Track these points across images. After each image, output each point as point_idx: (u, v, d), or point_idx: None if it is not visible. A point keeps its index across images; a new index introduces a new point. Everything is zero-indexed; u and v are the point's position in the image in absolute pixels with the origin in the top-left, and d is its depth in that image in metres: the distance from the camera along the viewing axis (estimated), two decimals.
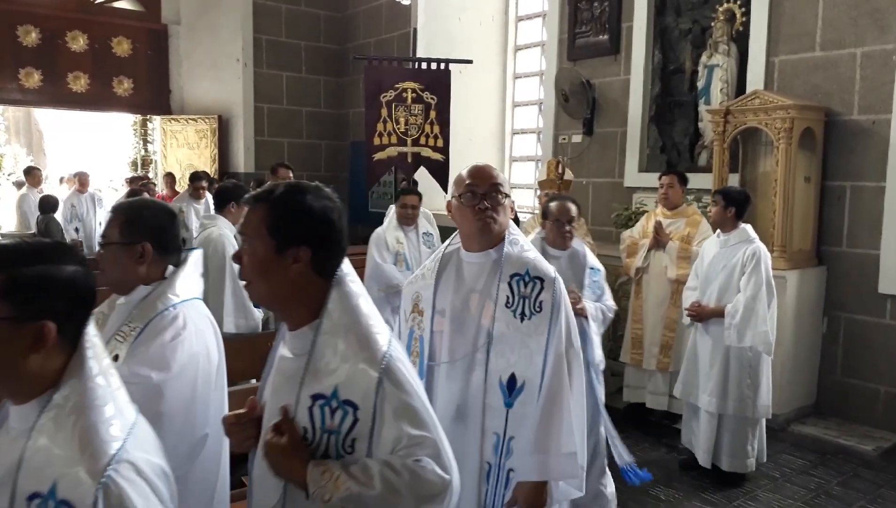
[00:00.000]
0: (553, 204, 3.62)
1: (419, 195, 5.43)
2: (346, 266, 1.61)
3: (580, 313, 3.22)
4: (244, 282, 1.59)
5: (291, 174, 6.66)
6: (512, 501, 2.18)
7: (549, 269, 2.25)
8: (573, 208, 3.55)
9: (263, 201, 1.56)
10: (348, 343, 1.50)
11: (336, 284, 1.57)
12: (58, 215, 8.75)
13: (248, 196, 1.61)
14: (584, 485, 2.29)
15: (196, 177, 7.73)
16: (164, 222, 2.15)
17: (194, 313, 2.10)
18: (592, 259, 3.62)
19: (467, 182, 2.21)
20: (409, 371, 1.53)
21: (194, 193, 7.55)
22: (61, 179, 10.47)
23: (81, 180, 9.49)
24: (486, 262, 2.24)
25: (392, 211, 5.50)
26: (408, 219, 5.29)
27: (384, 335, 1.54)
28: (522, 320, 2.16)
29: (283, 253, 1.52)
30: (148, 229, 2.09)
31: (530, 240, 3.54)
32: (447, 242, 2.39)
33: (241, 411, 1.66)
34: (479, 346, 2.18)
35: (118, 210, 2.17)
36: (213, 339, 2.15)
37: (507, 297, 2.18)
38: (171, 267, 2.15)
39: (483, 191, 2.19)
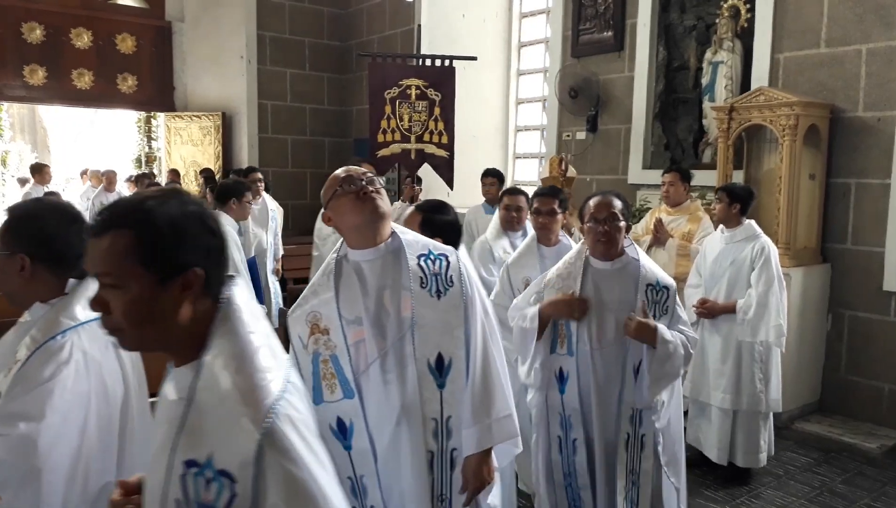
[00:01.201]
0: (592, 199, 2.86)
1: (525, 195, 4.34)
2: (240, 286, 1.33)
3: (645, 340, 2.70)
4: (110, 333, 1.25)
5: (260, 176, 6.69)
6: (464, 485, 2.16)
7: (448, 247, 2.27)
8: (617, 203, 2.77)
9: (123, 227, 1.20)
10: (231, 392, 1.17)
11: (223, 310, 1.26)
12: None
13: (93, 225, 1.23)
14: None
15: (251, 170, 6.63)
16: (54, 230, 1.79)
17: (89, 341, 1.73)
18: (654, 271, 2.82)
19: (342, 176, 2.14)
20: (301, 429, 1.18)
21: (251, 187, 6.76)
22: (83, 173, 10.40)
23: (109, 179, 9.52)
24: (386, 254, 2.15)
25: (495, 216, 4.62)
26: (513, 223, 4.22)
27: (277, 381, 1.20)
28: (439, 297, 2.14)
29: (166, 285, 1.21)
30: (28, 239, 1.76)
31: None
32: (331, 254, 2.23)
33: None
34: (402, 334, 2.12)
35: (7, 214, 1.86)
36: (114, 371, 1.79)
37: (421, 278, 2.13)
38: (72, 281, 1.82)
39: (360, 177, 2.13)
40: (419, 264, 2.14)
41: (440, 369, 2.11)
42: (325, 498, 1.16)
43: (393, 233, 2.18)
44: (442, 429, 2.12)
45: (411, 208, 2.76)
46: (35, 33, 9.49)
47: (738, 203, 4.25)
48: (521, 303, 2.99)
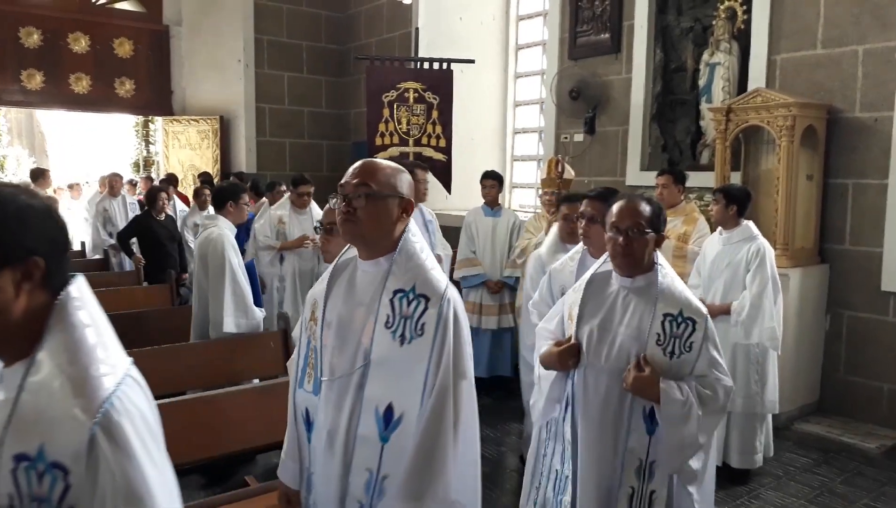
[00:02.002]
0: (617, 203, 2.47)
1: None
2: (78, 284, 1.26)
3: (645, 396, 2.28)
4: None
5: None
6: None
7: (441, 283, 1.90)
8: (644, 209, 2.37)
9: None
10: (63, 383, 1.14)
11: (59, 306, 1.21)
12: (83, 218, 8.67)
13: None
14: None
15: (301, 180, 5.88)
16: None
17: None
18: (679, 297, 2.35)
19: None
20: (137, 423, 1.17)
21: (297, 200, 5.82)
22: (102, 180, 10.32)
23: (111, 183, 9.47)
24: (378, 272, 1.93)
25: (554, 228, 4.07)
26: (575, 235, 3.45)
27: (113, 375, 1.18)
28: (402, 343, 1.84)
29: (3, 271, 1.15)
30: None
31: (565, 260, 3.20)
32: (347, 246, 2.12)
33: None
34: (357, 368, 1.89)
35: None
36: None
37: (388, 316, 1.87)
38: None
39: (334, 209, 2.00)
40: (391, 300, 1.88)
41: (388, 420, 1.84)
42: (152, 498, 1.14)
43: (399, 246, 1.93)
44: (375, 486, 1.84)
45: None
46: (33, 38, 9.50)
47: (734, 204, 4.26)
48: (542, 329, 2.64)
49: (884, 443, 4.79)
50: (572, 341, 2.40)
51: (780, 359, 4.43)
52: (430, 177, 7.36)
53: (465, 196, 7.55)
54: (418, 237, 2.00)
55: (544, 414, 2.55)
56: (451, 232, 6.32)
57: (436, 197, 7.90)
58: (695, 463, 2.31)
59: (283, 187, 6.67)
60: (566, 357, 2.39)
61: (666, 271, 2.41)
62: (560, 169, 5.54)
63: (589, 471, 2.34)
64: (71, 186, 11.84)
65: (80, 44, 9.84)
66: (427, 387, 1.82)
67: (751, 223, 4.32)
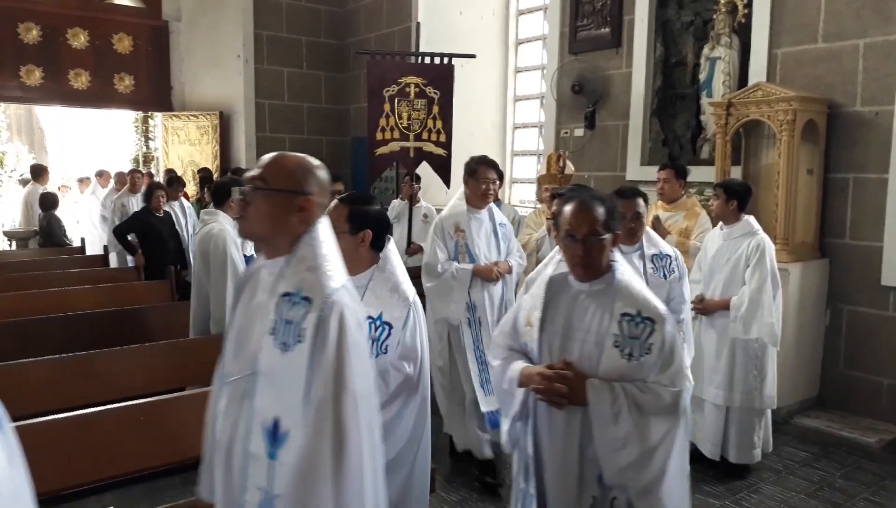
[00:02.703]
0: (568, 206, 2.44)
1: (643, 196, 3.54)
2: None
3: (578, 401, 2.21)
4: None
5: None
6: None
7: (327, 283, 1.74)
8: (598, 212, 2.30)
9: None
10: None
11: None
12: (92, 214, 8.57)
13: None
14: None
15: (333, 180, 6.21)
16: None
17: None
18: (638, 296, 2.29)
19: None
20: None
21: (329, 197, 6.23)
22: (121, 176, 10.24)
23: (133, 180, 9.43)
24: (274, 271, 1.81)
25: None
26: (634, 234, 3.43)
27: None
28: (284, 350, 1.70)
29: None
30: None
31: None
32: None
33: None
34: (247, 376, 1.78)
35: None
36: None
37: (274, 321, 1.74)
38: None
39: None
40: (278, 303, 1.75)
41: (275, 436, 1.70)
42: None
43: (295, 247, 1.80)
44: (267, 506, 1.70)
45: (334, 202, 2.45)
46: (31, 33, 9.48)
47: (735, 200, 4.26)
48: (498, 338, 2.53)
49: (883, 437, 4.79)
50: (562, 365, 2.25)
51: (779, 354, 4.43)
52: (430, 171, 7.39)
53: None
54: (327, 239, 1.85)
55: (512, 439, 2.41)
56: None
57: (436, 192, 7.90)
58: (644, 473, 2.15)
59: (339, 185, 6.53)
60: (554, 387, 2.21)
61: (623, 270, 2.33)
62: (561, 164, 5.53)
63: (555, 485, 2.28)
64: (81, 180, 11.82)
65: (79, 39, 9.81)
66: (306, 400, 1.66)
67: (751, 218, 4.31)
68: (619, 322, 2.20)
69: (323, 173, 1.90)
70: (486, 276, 4.14)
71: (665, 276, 3.35)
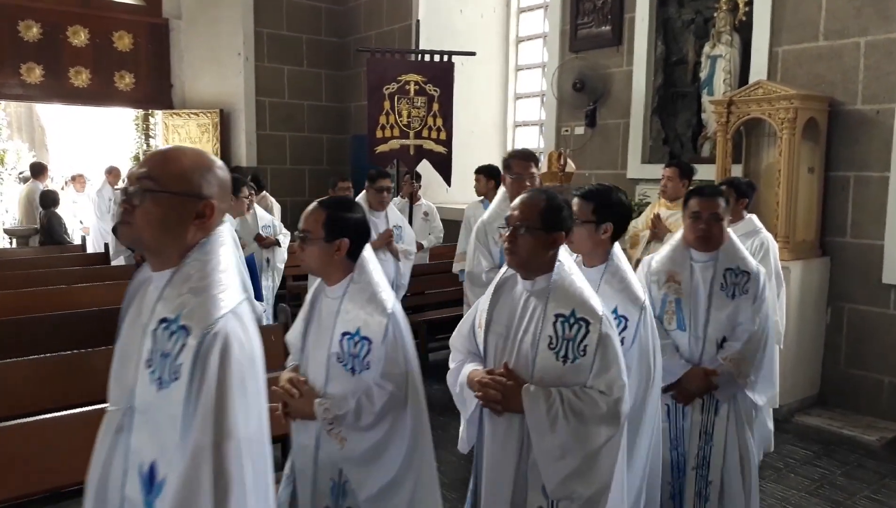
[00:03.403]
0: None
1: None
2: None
3: (513, 408, 2.17)
4: None
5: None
6: None
7: (211, 310, 1.47)
8: (540, 204, 2.23)
9: None
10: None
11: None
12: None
13: None
14: None
15: (380, 175, 5.31)
16: None
17: None
18: (574, 296, 2.19)
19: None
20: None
21: (375, 197, 5.29)
22: (109, 172, 10.28)
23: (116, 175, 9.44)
24: (156, 292, 1.56)
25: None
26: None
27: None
28: (160, 388, 1.45)
29: None
30: None
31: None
32: None
33: None
34: (119, 409, 1.55)
35: None
36: None
37: (149, 352, 1.48)
38: None
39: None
40: (155, 331, 1.49)
41: (151, 482, 1.48)
42: None
43: (184, 260, 1.55)
44: None
45: (313, 205, 2.34)
46: (32, 31, 9.46)
47: (745, 198, 4.27)
48: (455, 340, 2.48)
49: (884, 436, 4.79)
50: (502, 372, 2.20)
51: (781, 352, 4.42)
52: (431, 169, 7.39)
53: (465, 190, 7.54)
54: (224, 251, 1.59)
55: (468, 441, 2.39)
56: (452, 225, 6.32)
57: (436, 190, 7.90)
58: (587, 484, 2.07)
59: (347, 183, 6.40)
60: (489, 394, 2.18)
61: (565, 270, 2.21)
62: (562, 162, 5.53)
63: (489, 491, 2.24)
64: (74, 178, 11.80)
65: (79, 37, 9.80)
66: (182, 447, 1.42)
67: (754, 217, 4.31)
68: (554, 323, 2.13)
69: (224, 173, 1.63)
70: None
71: (733, 295, 2.97)
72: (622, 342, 2.37)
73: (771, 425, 4.11)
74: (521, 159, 3.90)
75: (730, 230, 3.07)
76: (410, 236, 5.47)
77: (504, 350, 2.22)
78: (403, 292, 5.45)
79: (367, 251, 2.39)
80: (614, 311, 2.46)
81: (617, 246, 2.63)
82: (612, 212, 2.57)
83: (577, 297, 2.15)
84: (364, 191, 5.58)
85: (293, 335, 2.43)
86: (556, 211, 2.20)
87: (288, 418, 2.31)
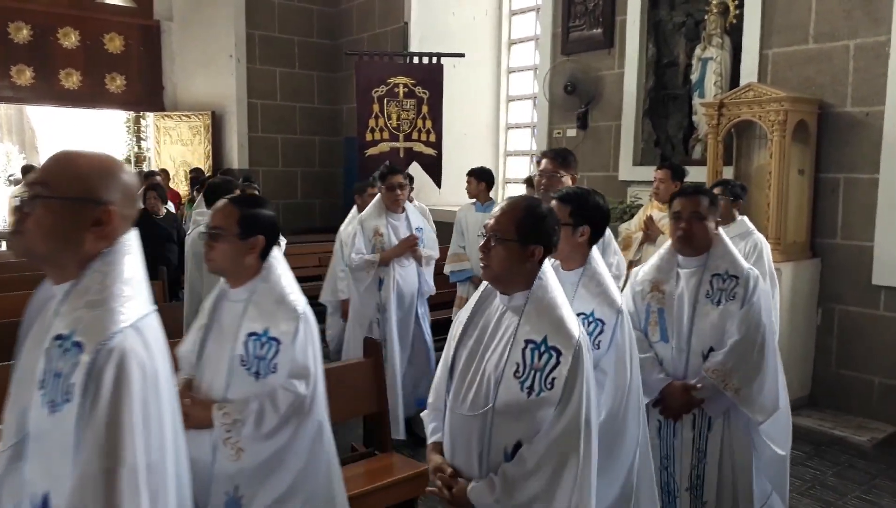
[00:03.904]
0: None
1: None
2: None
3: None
4: None
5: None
6: None
7: (108, 324, 1.35)
8: (515, 214, 2.02)
9: None
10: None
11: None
12: None
13: None
14: None
15: (391, 172, 4.76)
16: None
17: None
18: (555, 315, 1.99)
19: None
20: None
21: (388, 196, 4.73)
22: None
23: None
24: (52, 307, 1.46)
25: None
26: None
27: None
28: (52, 411, 1.33)
29: None
30: None
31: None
32: None
33: None
34: (13, 442, 1.43)
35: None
36: None
37: (42, 372, 1.37)
38: None
39: None
40: (48, 349, 1.36)
41: None
42: None
43: (88, 270, 1.43)
44: None
45: (223, 201, 2.30)
46: (22, 33, 9.42)
47: (740, 199, 4.30)
48: (435, 385, 2.27)
49: (875, 436, 4.81)
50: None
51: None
52: (421, 172, 7.39)
53: (457, 192, 7.54)
54: (129, 261, 1.47)
55: None
56: (444, 227, 6.32)
57: (429, 193, 7.89)
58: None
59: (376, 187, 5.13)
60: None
61: (545, 287, 1.99)
62: None
63: None
64: None
65: (69, 39, 9.76)
66: (73, 475, 1.31)
67: (745, 218, 4.34)
68: (523, 349, 1.91)
69: (130, 179, 1.51)
70: None
71: (719, 302, 2.74)
72: (598, 346, 2.37)
73: (781, 449, 3.09)
74: (552, 159, 3.67)
75: (722, 232, 2.91)
76: (432, 239, 5.07)
77: (470, 369, 2.01)
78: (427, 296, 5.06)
79: (277, 252, 2.32)
80: (591, 314, 2.43)
81: (595, 250, 2.60)
82: (589, 215, 2.51)
83: (552, 320, 1.93)
84: (355, 196, 5.52)
85: (186, 348, 2.29)
86: (536, 222, 2.00)
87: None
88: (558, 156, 3.69)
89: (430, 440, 2.14)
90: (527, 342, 1.92)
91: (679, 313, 2.79)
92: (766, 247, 4.22)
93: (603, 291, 2.47)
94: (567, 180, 3.56)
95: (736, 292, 2.74)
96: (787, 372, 5.12)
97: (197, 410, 2.10)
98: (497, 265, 1.99)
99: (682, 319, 2.78)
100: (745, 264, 2.83)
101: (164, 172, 9.90)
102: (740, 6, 5.81)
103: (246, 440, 2.08)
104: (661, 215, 5.10)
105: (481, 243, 2.03)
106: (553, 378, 1.87)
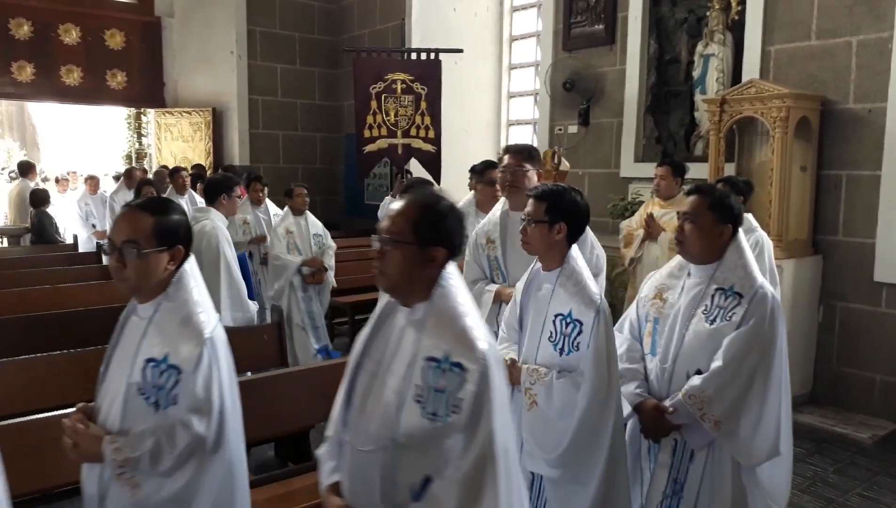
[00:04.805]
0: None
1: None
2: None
3: None
4: None
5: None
6: None
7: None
8: (411, 212, 1.76)
9: None
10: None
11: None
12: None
13: None
14: None
15: (488, 166, 4.35)
16: None
17: None
18: (459, 327, 1.72)
19: None
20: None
21: (486, 191, 4.26)
22: (117, 178, 10.14)
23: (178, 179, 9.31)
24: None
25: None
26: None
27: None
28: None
29: None
30: None
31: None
32: None
33: None
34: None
35: None
36: None
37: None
38: None
39: None
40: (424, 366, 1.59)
41: None
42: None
43: None
44: None
45: (129, 208, 2.01)
46: (23, 29, 9.41)
47: (741, 196, 4.27)
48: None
49: (876, 433, 4.81)
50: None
51: None
52: (420, 168, 7.38)
53: (459, 188, 7.53)
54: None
55: None
56: None
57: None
58: None
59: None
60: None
61: (447, 294, 1.73)
62: (556, 161, 5.54)
63: None
64: (58, 180, 11.71)
65: (70, 35, 9.75)
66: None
67: (749, 215, 4.32)
68: (423, 369, 1.65)
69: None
70: None
71: (713, 321, 2.43)
72: (577, 347, 2.30)
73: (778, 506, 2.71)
74: (514, 154, 3.41)
75: (742, 241, 2.56)
76: None
77: (369, 396, 1.75)
78: None
79: (190, 264, 2.02)
80: (569, 315, 2.35)
81: (575, 248, 2.51)
82: (565, 212, 2.44)
83: (455, 333, 1.66)
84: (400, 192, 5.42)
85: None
86: (436, 221, 1.74)
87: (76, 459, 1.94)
88: (522, 150, 3.45)
89: (326, 482, 1.83)
90: (427, 360, 1.65)
91: (671, 327, 2.50)
92: (769, 245, 4.22)
93: (581, 289, 2.39)
94: (532, 175, 3.37)
95: (734, 313, 2.40)
96: (789, 369, 5.13)
97: (86, 441, 1.86)
98: (393, 272, 1.73)
99: (672, 333, 2.49)
100: (760, 282, 2.46)
101: (166, 169, 9.85)
102: (742, 2, 5.79)
103: (142, 475, 1.83)
104: (662, 213, 5.09)
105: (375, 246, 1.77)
106: (459, 399, 1.60)
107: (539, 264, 2.57)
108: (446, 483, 1.60)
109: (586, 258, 3.19)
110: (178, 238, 1.96)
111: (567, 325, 2.34)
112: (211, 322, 1.94)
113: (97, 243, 8.26)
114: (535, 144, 8.26)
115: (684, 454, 2.46)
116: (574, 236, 2.50)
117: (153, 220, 1.93)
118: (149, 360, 1.87)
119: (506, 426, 1.68)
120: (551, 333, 2.40)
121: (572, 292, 2.39)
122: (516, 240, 2.67)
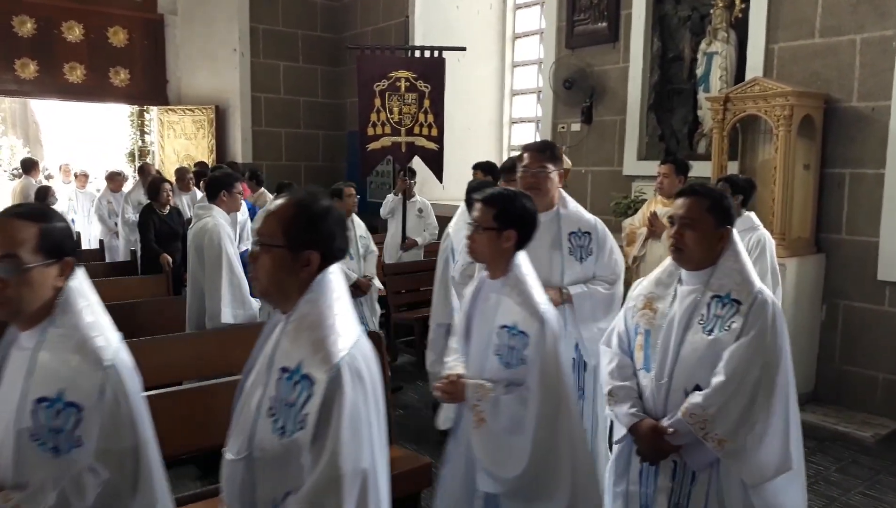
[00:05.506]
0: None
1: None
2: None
3: None
4: None
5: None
6: None
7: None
8: (287, 212, 1.69)
9: None
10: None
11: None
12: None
13: None
14: None
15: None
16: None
17: None
18: (315, 337, 1.64)
19: None
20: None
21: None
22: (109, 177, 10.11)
23: (111, 178, 9.36)
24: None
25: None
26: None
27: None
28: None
29: None
30: None
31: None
32: None
33: None
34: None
35: None
36: None
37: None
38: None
39: None
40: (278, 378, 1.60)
41: None
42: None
43: None
44: None
45: (6, 216, 1.70)
46: (26, 26, 9.42)
47: (740, 194, 4.27)
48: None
49: (878, 432, 4.80)
50: None
51: None
52: (423, 166, 7.37)
53: (461, 186, 7.52)
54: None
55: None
56: (447, 222, 6.30)
57: (432, 187, 7.89)
58: None
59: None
60: None
61: (313, 302, 1.64)
62: None
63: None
64: (76, 176, 11.67)
65: (73, 32, 9.76)
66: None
67: (752, 214, 4.33)
68: (277, 380, 1.58)
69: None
70: None
71: (711, 331, 2.25)
72: (524, 360, 2.24)
73: None
74: (534, 152, 3.21)
75: (737, 243, 2.36)
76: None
77: (243, 405, 1.70)
78: None
79: (77, 281, 1.74)
80: (515, 327, 2.27)
81: (521, 255, 2.41)
82: (515, 219, 2.35)
83: (312, 341, 1.58)
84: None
85: None
86: (309, 223, 1.64)
87: None
88: (544, 149, 3.23)
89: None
90: (281, 370, 1.58)
91: (665, 339, 2.30)
92: (770, 243, 4.21)
93: (526, 299, 2.31)
94: (555, 176, 3.15)
95: (733, 322, 2.22)
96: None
97: None
98: (263, 277, 1.65)
99: (667, 346, 2.29)
100: (758, 288, 2.29)
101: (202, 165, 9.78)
102: (746, 0, 5.77)
103: None
104: (664, 211, 5.08)
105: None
106: (304, 415, 1.51)
107: (485, 273, 2.48)
108: (295, 502, 1.51)
109: (604, 263, 3.19)
110: (65, 249, 1.70)
111: (513, 337, 2.26)
112: (111, 346, 1.69)
113: (99, 239, 8.26)
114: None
115: (685, 476, 2.28)
116: (522, 242, 2.40)
117: (37, 228, 1.65)
118: (40, 400, 1.57)
119: (363, 443, 1.54)
120: (497, 345, 2.31)
121: (517, 302, 2.31)
122: (534, 242, 2.54)
